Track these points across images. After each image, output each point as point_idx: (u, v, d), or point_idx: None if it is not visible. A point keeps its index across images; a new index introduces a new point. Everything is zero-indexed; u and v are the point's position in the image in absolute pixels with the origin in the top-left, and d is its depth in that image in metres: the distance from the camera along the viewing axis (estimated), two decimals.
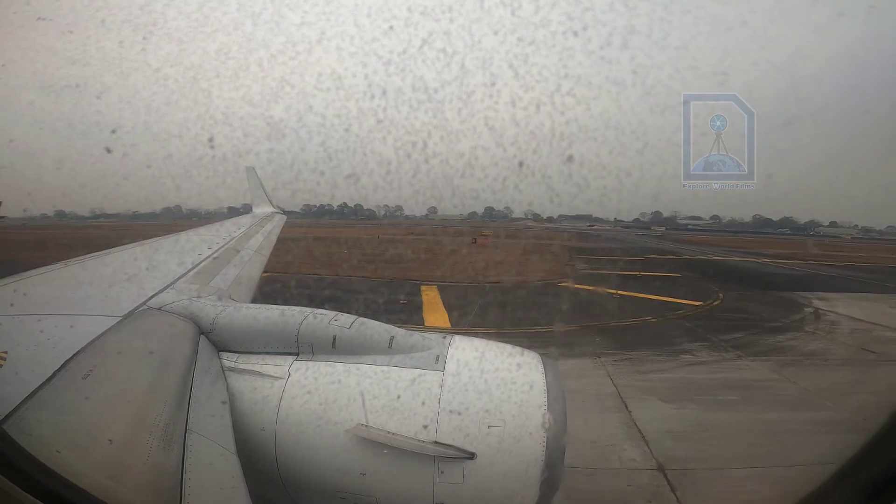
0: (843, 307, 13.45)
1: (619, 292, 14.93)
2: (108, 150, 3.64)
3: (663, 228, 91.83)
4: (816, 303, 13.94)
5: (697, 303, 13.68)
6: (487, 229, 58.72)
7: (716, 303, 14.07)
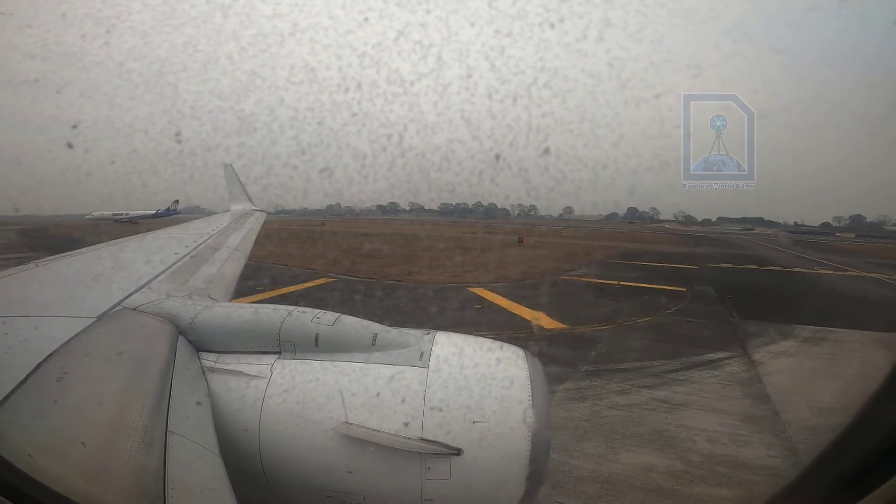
0: (791, 357, 9.35)
1: (504, 304, 13.42)
2: (70, 146, 3.47)
3: (853, 235, 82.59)
4: (780, 344, 10.08)
5: (563, 326, 11.17)
6: (568, 229, 58.73)
7: (596, 329, 11.01)
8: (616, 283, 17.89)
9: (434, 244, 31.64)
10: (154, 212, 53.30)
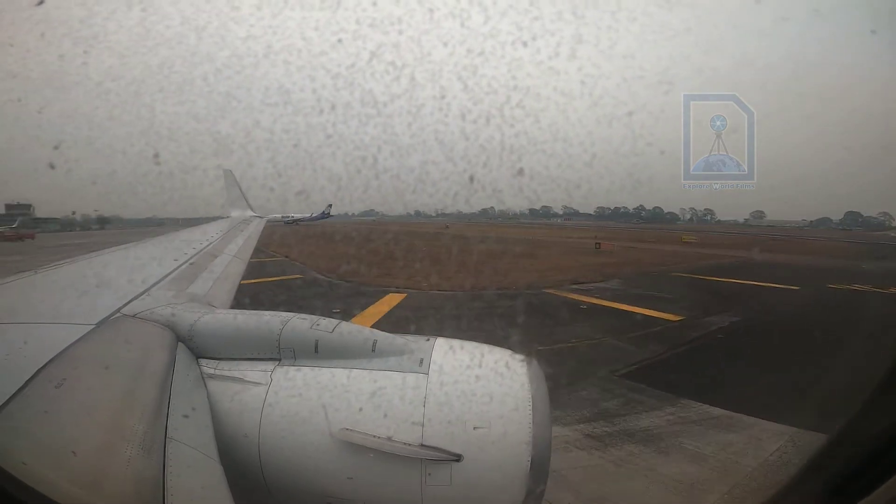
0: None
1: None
2: (52, 167, 3.53)
3: None
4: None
5: None
6: (690, 235, 53.28)
7: None
8: (586, 300, 15.18)
9: (481, 248, 31.27)
10: (310, 214, 61.77)
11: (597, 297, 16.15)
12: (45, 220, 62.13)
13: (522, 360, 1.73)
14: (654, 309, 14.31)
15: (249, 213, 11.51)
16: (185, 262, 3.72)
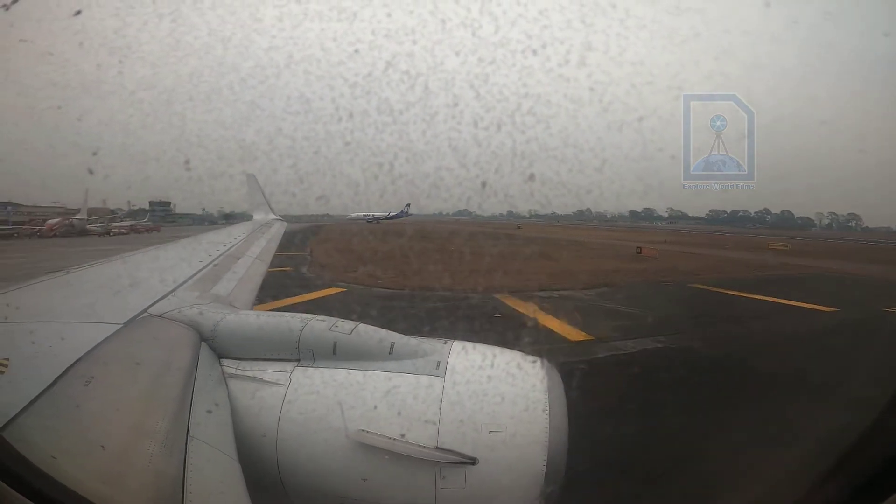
0: None
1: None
2: (91, 172, 3.64)
3: None
4: None
5: None
6: (782, 242, 47.46)
7: None
8: (516, 309, 12.89)
9: (509, 249, 29.99)
10: (387, 213, 63.64)
11: (534, 307, 13.96)
12: (181, 216, 72.45)
13: (540, 364, 1.74)
14: (576, 326, 11.69)
15: (271, 216, 12.01)
16: (210, 263, 3.84)
